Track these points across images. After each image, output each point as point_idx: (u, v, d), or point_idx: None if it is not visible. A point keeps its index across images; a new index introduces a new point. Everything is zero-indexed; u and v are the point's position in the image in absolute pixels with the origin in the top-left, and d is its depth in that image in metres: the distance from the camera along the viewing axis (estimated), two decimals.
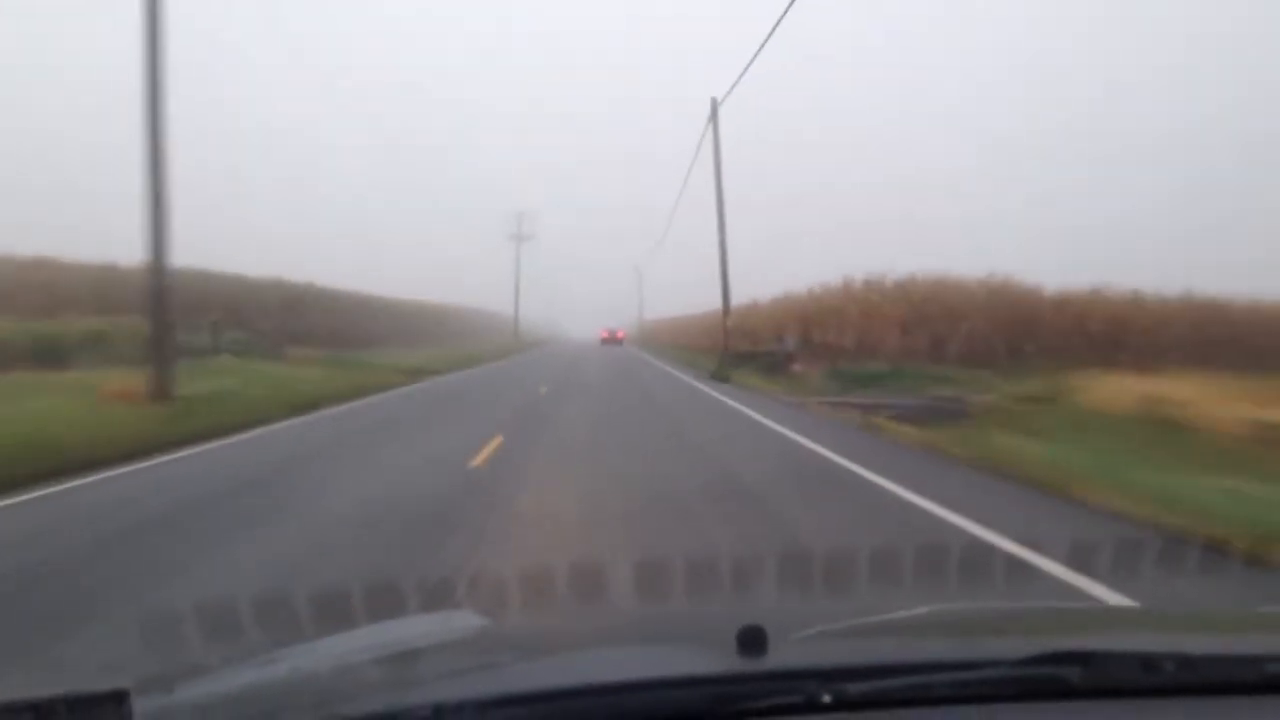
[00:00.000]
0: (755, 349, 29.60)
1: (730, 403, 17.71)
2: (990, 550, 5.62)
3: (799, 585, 4.58)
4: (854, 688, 1.40)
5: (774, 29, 19.68)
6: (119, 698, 1.32)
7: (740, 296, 45.51)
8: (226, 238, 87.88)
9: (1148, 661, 1.47)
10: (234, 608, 3.75)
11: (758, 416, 14.80)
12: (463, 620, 2.77)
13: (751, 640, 1.48)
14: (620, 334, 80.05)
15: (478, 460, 9.63)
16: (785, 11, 18.36)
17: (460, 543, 5.94)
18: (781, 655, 1.51)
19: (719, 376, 24.88)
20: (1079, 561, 4.98)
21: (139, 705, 1.30)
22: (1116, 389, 14.84)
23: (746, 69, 24.72)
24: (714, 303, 55.07)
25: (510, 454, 10.35)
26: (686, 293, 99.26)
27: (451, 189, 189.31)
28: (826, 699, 1.37)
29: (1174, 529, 5.91)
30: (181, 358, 29.39)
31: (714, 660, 1.53)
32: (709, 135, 29.57)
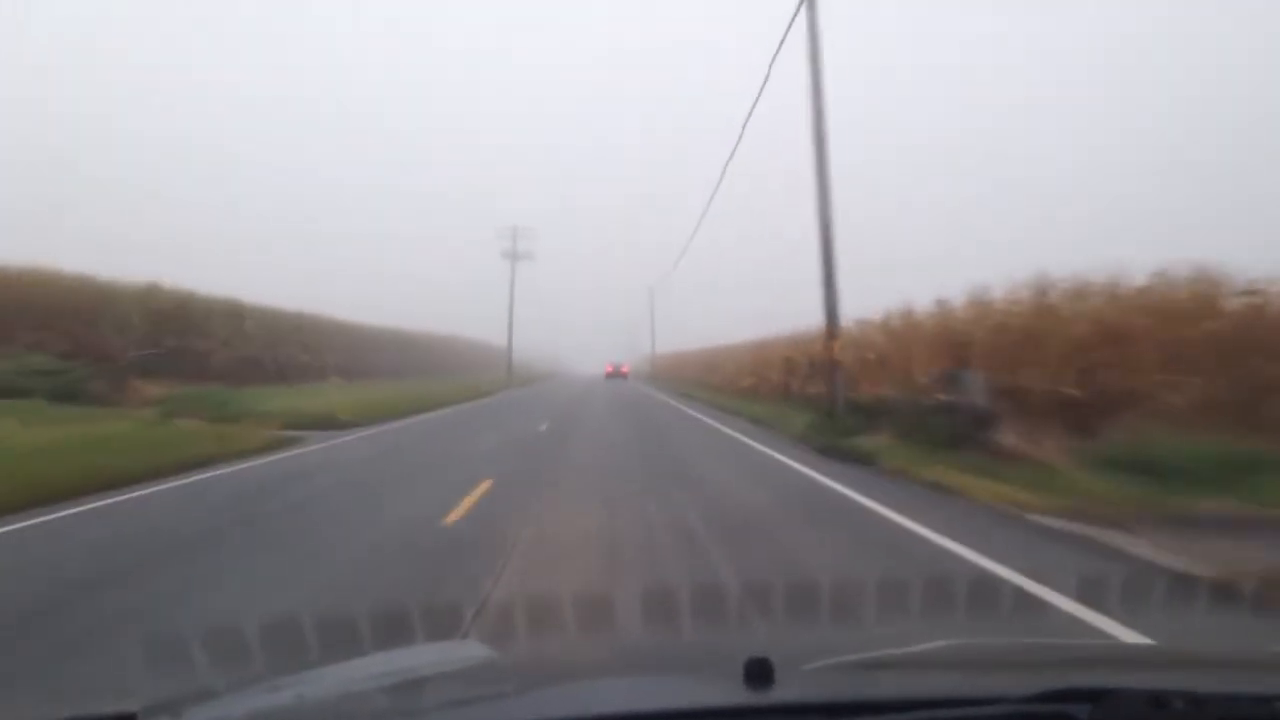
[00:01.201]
0: (881, 397, 17.65)
1: (1046, 596, 5.66)
2: None
3: (806, 617, 4.33)
4: None
5: None
6: None
7: (792, 321, 33.86)
8: (196, 257, 76.89)
9: (1157, 699, 1.45)
10: (242, 633, 3.70)
11: None
12: (468, 650, 2.69)
13: (758, 672, 1.46)
14: (624, 369, 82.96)
15: None
16: None
17: None
18: (788, 688, 1.49)
19: (835, 449, 12.96)
20: None
21: None
22: None
23: None
24: (747, 330, 42.99)
25: None
26: (707, 323, 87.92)
27: (450, 217, 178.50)
28: None
29: None
30: None
31: (720, 692, 1.54)
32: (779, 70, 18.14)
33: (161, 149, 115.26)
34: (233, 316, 32.14)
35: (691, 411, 25.56)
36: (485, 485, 9.71)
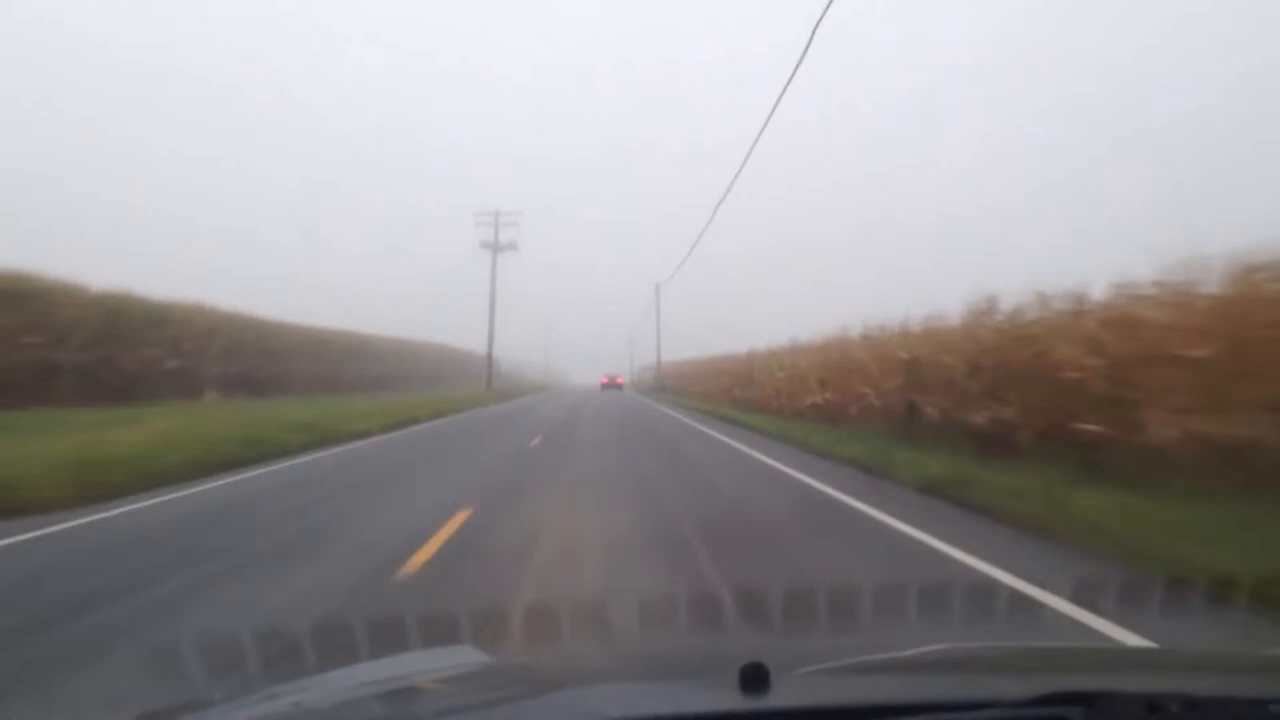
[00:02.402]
0: None
1: None
2: None
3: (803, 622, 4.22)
4: None
5: None
6: None
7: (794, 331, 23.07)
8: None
9: (1152, 703, 1.43)
10: (238, 641, 3.62)
11: None
12: (465, 656, 2.60)
13: (753, 678, 1.44)
14: (619, 380, 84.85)
15: None
16: None
17: None
18: (783, 693, 1.48)
19: None
20: None
21: None
22: None
23: None
24: (756, 341, 31.67)
25: None
26: (717, 334, 76.63)
27: (445, 229, 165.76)
28: None
29: None
30: None
31: (716, 698, 1.51)
32: None
33: (123, 151, 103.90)
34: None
35: (787, 469, 13.72)
36: None
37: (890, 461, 11.73)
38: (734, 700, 1.42)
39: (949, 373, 15.51)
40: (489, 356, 62.13)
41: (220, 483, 11.10)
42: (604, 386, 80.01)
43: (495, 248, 60.02)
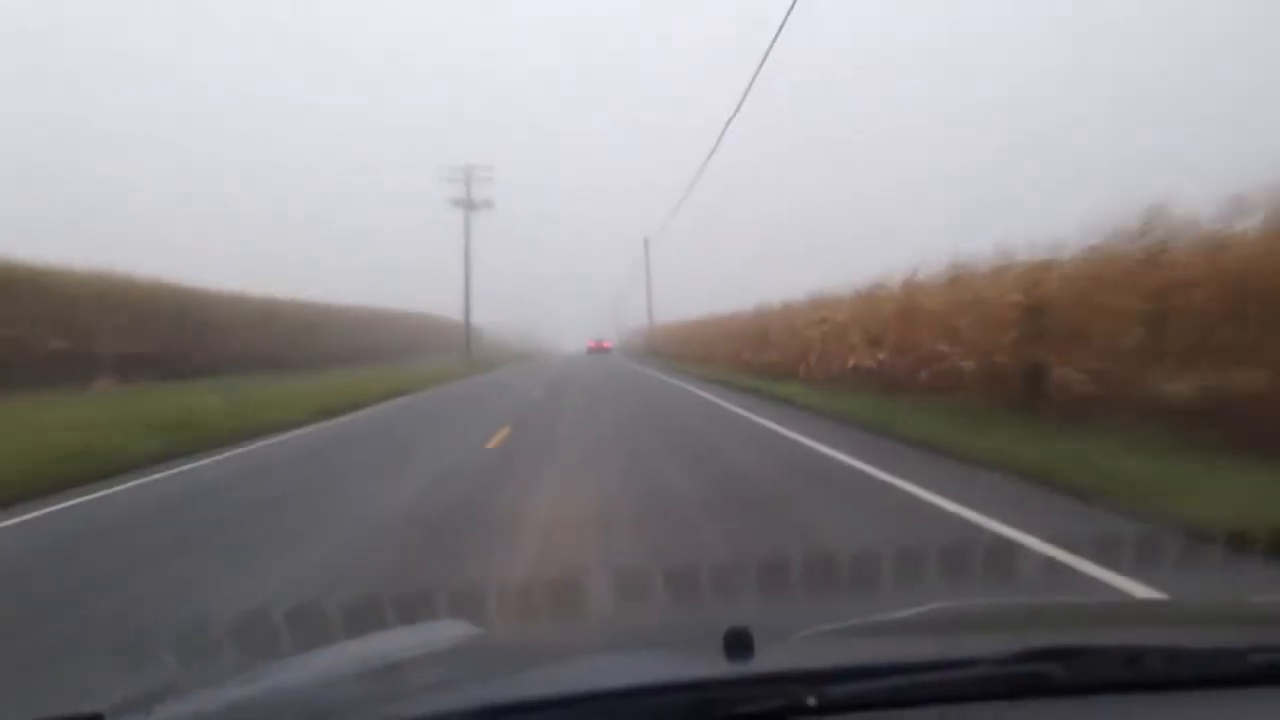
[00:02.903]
0: None
1: None
2: None
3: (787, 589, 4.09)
4: (838, 690, 1.34)
5: None
6: None
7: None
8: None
9: (1133, 656, 1.39)
10: (214, 626, 3.53)
11: None
12: (449, 630, 2.40)
13: (737, 643, 1.42)
14: (606, 344, 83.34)
15: None
16: None
17: None
18: (768, 658, 1.45)
19: None
20: None
21: None
22: None
23: None
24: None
25: None
26: (710, 291, 71.59)
27: (426, 199, 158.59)
28: (811, 702, 1.30)
29: None
30: None
31: (700, 664, 1.49)
32: None
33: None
34: None
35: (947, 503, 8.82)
36: None
37: (1103, 473, 6.74)
38: (718, 667, 1.39)
39: (1110, 321, 10.49)
40: (466, 324, 57.05)
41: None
42: (590, 350, 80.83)
43: (468, 205, 54.69)
